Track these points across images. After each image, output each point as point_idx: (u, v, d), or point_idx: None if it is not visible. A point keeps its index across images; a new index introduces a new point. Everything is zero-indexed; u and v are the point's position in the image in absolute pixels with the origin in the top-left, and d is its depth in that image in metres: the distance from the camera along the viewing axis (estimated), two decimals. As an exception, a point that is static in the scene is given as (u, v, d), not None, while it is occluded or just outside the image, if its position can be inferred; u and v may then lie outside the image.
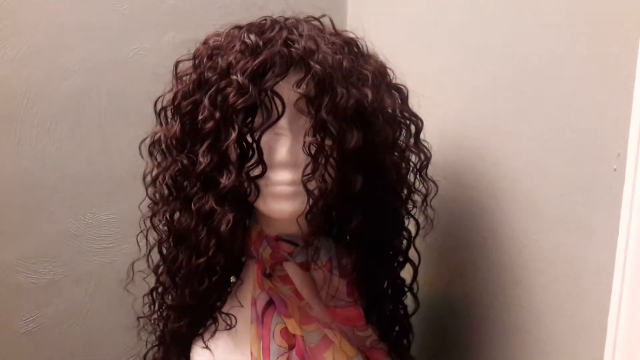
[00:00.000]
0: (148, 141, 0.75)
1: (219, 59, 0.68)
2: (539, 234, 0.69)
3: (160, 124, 0.74)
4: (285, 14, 0.73)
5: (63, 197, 1.12)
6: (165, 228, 0.75)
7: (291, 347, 0.74)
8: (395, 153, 0.75)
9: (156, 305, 0.81)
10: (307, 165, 0.67)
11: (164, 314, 0.81)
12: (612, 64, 0.57)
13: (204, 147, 0.68)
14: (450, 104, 0.87)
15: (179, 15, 1.13)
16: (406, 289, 0.83)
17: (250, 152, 0.67)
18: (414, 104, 0.78)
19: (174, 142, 0.71)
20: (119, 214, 1.15)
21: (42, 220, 1.11)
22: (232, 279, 0.84)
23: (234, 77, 0.66)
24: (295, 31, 0.69)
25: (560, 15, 0.64)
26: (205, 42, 0.72)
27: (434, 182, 0.80)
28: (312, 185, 0.68)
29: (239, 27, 0.71)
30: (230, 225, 0.68)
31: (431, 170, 0.80)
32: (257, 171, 0.68)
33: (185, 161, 0.71)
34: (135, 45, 1.11)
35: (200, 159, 0.68)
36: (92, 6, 1.08)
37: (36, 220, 1.11)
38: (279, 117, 0.67)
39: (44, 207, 1.11)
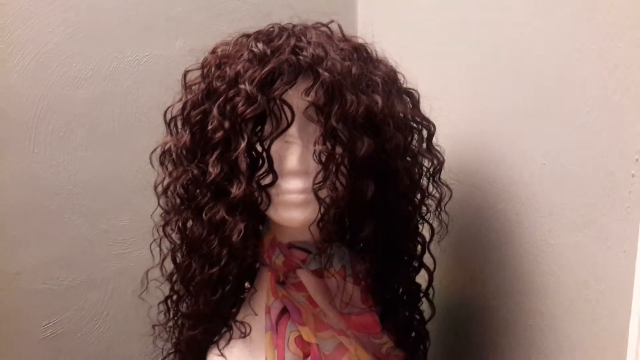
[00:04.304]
0: (159, 151, 0.75)
1: (227, 68, 0.67)
2: (557, 239, 0.68)
3: (171, 133, 0.74)
4: (292, 20, 0.73)
5: (78, 203, 1.13)
6: (178, 237, 0.75)
7: (306, 356, 0.74)
8: (408, 158, 0.74)
9: (171, 313, 0.81)
10: (317, 174, 0.67)
11: (179, 322, 0.81)
12: (631, 70, 0.55)
13: (213, 157, 0.68)
14: (463, 107, 0.86)
15: (187, 23, 1.14)
16: (421, 295, 0.83)
17: (261, 161, 0.67)
18: (426, 107, 0.77)
19: (184, 152, 0.71)
20: (134, 220, 1.16)
21: (58, 227, 1.13)
22: (247, 284, 0.84)
23: (242, 86, 0.65)
24: (303, 38, 0.68)
25: (578, 14, 0.62)
26: (213, 51, 0.72)
27: (447, 186, 0.79)
28: (323, 193, 0.67)
29: (247, 36, 0.71)
30: (241, 235, 0.67)
31: (444, 174, 0.78)
32: (267, 180, 0.67)
33: (195, 171, 0.70)
34: (147, 52, 1.12)
35: (210, 169, 0.68)
36: (103, 13, 1.09)
37: (52, 227, 1.13)
38: (289, 125, 0.66)
39: (59, 214, 1.13)
